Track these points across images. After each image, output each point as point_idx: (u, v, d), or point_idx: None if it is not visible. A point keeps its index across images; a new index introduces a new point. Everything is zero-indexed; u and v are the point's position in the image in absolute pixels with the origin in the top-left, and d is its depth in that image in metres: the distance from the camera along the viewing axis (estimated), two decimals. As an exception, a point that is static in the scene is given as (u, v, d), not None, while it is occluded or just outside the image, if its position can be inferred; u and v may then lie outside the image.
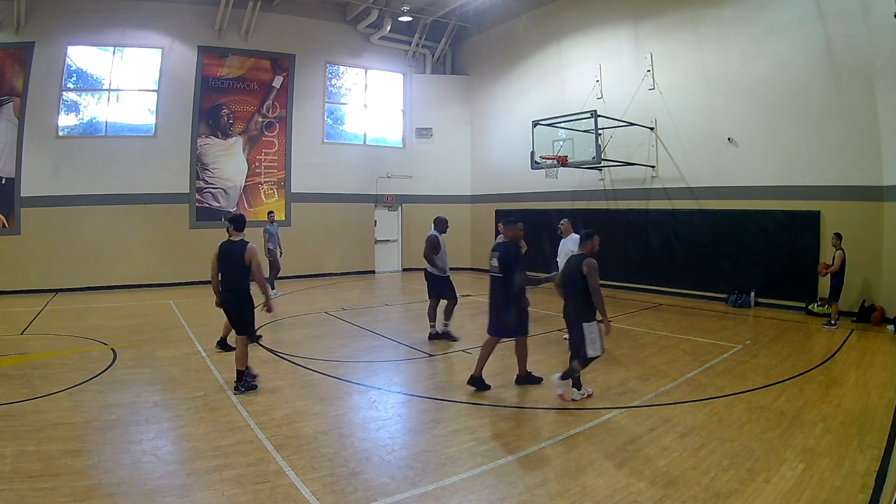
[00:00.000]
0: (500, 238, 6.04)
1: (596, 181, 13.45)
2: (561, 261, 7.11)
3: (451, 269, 8.01)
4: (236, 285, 5.58)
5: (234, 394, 5.47)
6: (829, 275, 8.61)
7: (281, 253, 12.22)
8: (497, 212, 16.24)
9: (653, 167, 12.18)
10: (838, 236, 8.62)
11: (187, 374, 6.16)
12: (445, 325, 7.87)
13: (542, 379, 5.78)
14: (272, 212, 12.82)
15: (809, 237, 9.76)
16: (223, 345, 7.12)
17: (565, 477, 3.77)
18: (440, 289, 7.81)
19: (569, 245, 7.34)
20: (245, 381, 5.57)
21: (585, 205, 13.54)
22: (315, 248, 15.54)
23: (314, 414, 4.98)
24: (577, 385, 5.34)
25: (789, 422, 4.67)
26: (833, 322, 8.61)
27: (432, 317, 7.88)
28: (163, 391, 5.62)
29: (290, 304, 11.02)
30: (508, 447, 4.22)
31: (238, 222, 5.69)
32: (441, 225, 7.88)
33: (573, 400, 5.25)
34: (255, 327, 6.40)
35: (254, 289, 5.62)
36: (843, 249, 8.51)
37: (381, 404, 5.30)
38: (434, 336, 7.82)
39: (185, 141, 14.00)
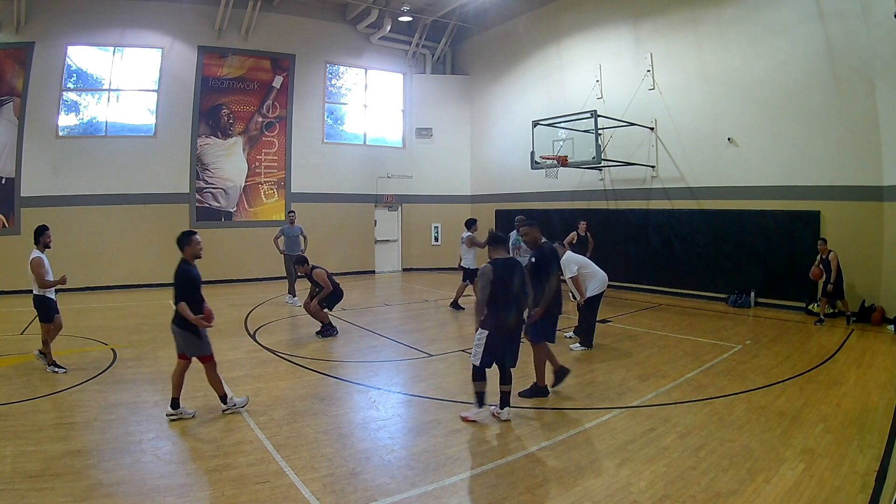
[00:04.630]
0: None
1: (596, 181, 13.44)
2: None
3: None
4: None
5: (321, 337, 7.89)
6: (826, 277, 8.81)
7: (283, 251, 11.73)
8: (497, 212, 16.24)
9: (653, 167, 12.17)
10: (825, 241, 8.95)
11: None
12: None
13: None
14: (292, 211, 12.42)
15: (809, 237, 9.74)
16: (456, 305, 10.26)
17: (565, 477, 3.77)
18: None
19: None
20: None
21: (585, 205, 13.53)
22: (315, 248, 15.29)
23: (314, 414, 4.98)
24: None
25: (789, 422, 4.67)
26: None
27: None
28: (163, 391, 5.59)
29: (290, 304, 11.01)
30: (508, 447, 4.22)
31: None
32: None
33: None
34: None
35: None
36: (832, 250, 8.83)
37: (381, 404, 5.31)
38: None
39: (185, 141, 13.99)
